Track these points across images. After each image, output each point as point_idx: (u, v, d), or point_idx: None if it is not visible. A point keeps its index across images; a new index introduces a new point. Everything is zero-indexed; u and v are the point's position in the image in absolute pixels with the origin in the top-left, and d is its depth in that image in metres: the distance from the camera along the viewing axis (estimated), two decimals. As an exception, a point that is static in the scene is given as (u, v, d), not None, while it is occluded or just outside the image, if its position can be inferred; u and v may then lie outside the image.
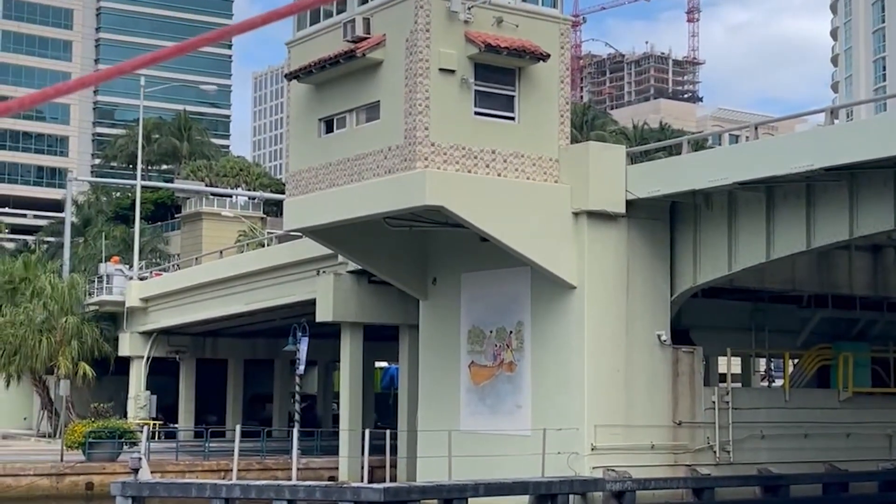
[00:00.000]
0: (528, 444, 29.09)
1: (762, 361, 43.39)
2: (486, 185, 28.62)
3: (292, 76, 31.65)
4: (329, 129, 31.33)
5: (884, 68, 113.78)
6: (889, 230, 27.63)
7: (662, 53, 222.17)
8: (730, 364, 35.07)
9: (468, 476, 27.48)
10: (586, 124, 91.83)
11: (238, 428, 30.74)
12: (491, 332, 32.17)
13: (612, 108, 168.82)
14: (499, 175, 28.92)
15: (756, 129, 30.20)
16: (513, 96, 29.38)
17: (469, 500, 26.71)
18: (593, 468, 28.95)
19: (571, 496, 28.21)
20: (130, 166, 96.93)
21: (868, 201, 27.00)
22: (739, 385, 40.48)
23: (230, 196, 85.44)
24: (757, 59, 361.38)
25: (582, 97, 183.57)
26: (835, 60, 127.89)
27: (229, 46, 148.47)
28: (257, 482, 28.05)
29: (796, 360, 36.12)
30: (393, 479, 30.69)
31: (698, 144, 40.41)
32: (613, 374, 29.73)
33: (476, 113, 28.90)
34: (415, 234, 32.79)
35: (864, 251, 34.22)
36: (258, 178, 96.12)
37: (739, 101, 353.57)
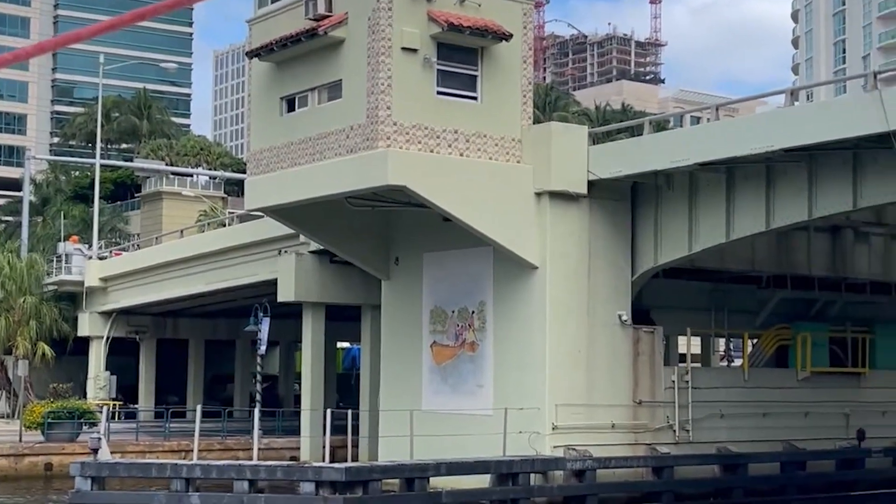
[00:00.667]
0: (490, 424, 29.20)
1: (721, 341, 43.71)
2: (448, 165, 28.59)
3: (253, 54, 31.43)
4: (291, 108, 31.15)
5: (843, 51, 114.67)
6: (847, 211, 27.91)
7: (625, 35, 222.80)
8: (689, 344, 35.38)
9: (430, 456, 27.55)
10: (549, 105, 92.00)
11: (199, 408, 30.61)
12: (453, 312, 32.21)
13: (574, 89, 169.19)
14: (461, 155, 28.90)
15: (717, 110, 30.34)
16: (475, 76, 29.34)
17: (430, 479, 26.79)
18: (554, 447, 29.12)
19: (532, 475, 28.35)
20: (89, 145, 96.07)
21: (827, 182, 27.24)
22: (699, 365, 40.86)
23: (191, 175, 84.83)
24: (719, 41, 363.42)
25: (545, 78, 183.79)
26: (795, 42, 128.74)
27: (190, 24, 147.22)
28: (218, 462, 27.96)
29: (755, 340, 36.44)
30: (354, 458, 30.72)
31: (660, 126, 40.50)
32: (574, 353, 29.88)
33: (438, 92, 28.83)
34: (377, 214, 32.73)
35: (822, 232, 34.53)
36: (219, 157, 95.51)
37: (701, 82, 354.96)
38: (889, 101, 24.32)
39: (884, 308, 37.76)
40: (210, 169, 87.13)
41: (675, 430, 31.29)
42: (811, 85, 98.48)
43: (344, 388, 53.06)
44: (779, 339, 35.54)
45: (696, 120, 38.81)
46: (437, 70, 28.75)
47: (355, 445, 32.28)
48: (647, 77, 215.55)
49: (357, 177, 28.68)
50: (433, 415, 31.26)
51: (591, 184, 30.10)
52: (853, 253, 35.21)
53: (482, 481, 27.86)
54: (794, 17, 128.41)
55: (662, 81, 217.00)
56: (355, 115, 28.57)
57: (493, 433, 28.68)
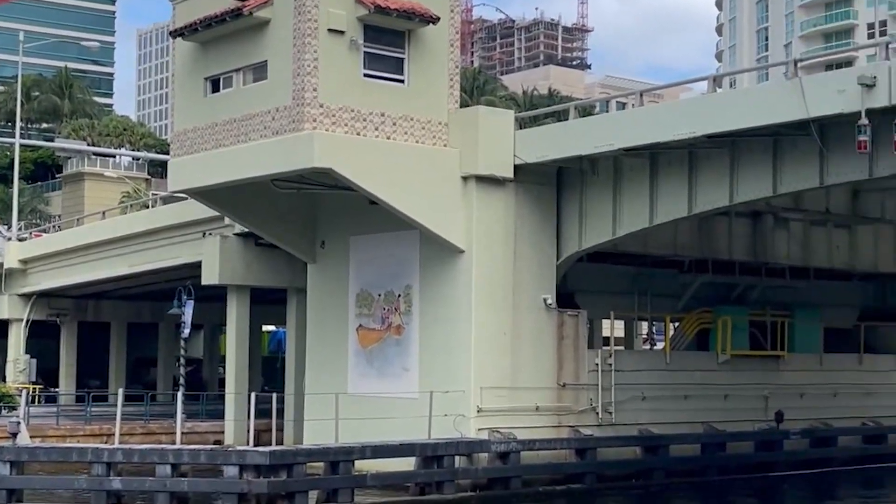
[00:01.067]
0: (416, 407, 29.29)
1: (644, 325, 44.28)
2: (375, 148, 28.52)
3: (177, 34, 31.02)
4: (215, 89, 30.82)
5: (766, 38, 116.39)
6: (767, 197, 28.39)
7: (552, 20, 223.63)
8: (613, 327, 35.71)
9: (355, 439, 27.55)
10: (477, 89, 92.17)
11: (121, 392, 30.25)
12: (379, 295, 32.20)
13: (502, 74, 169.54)
14: (388, 138, 28.85)
15: (641, 96, 30.63)
16: (402, 59, 29.27)
17: (355, 462, 26.79)
18: (479, 430, 29.29)
19: (457, 458, 28.50)
20: (9, 124, 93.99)
21: (748, 169, 27.67)
22: (622, 348, 41.34)
23: (113, 156, 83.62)
24: (645, 28, 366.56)
25: (473, 62, 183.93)
26: (719, 30, 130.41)
27: (113, 2, 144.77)
28: (140, 446, 27.67)
29: (677, 324, 36.96)
30: (279, 442, 30.58)
31: (585, 111, 40.91)
32: (500, 337, 30.05)
33: (365, 75, 28.72)
34: (303, 197, 32.56)
35: (743, 217, 35.08)
36: (142, 137, 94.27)
37: (627, 68, 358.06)
38: (809, 88, 24.76)
39: (802, 292, 38.50)
40: (133, 150, 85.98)
41: (598, 413, 31.65)
42: (734, 72, 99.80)
43: (269, 372, 52.76)
44: (700, 322, 36.08)
45: (622, 106, 39.12)
46: (364, 52, 28.62)
47: (280, 429, 32.15)
48: (574, 62, 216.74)
49: (283, 159, 28.48)
50: (359, 398, 31.26)
51: (517, 168, 30.24)
52: (773, 238, 35.82)
53: (407, 464, 27.94)
54: (719, 4, 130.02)
55: (589, 67, 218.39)
56: (281, 97, 28.35)
57: (418, 416, 28.76)
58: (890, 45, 24.89)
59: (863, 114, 23.47)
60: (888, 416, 38.63)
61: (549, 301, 30.88)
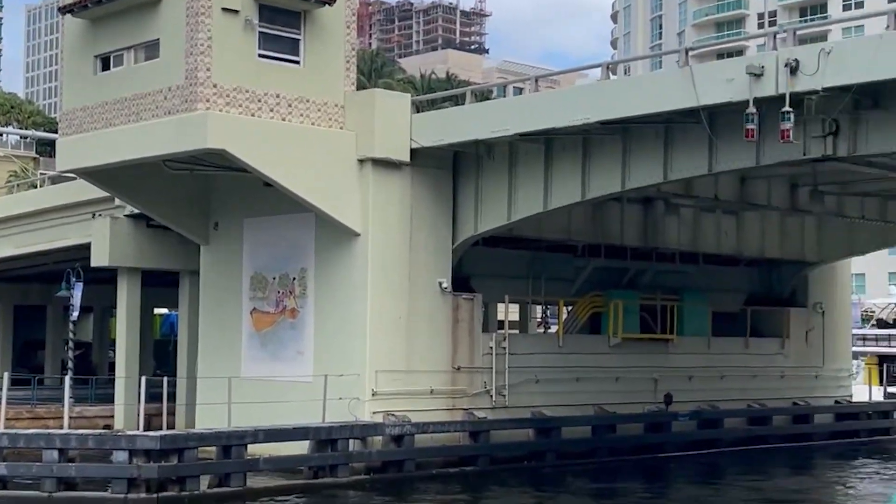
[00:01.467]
0: (310, 391, 29.17)
1: (539, 308, 44.74)
2: (269, 130, 28.25)
3: (66, 10, 30.29)
4: (105, 67, 30.18)
5: (660, 27, 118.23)
6: (658, 183, 28.87)
7: (451, 3, 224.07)
8: (507, 311, 36.02)
9: (249, 423, 27.33)
10: (374, 72, 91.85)
11: (6, 375, 29.46)
12: (274, 278, 31.96)
13: (400, 57, 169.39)
14: (283, 119, 28.60)
15: (536, 81, 30.85)
16: (298, 40, 29.02)
17: (248, 446, 26.57)
18: (374, 413, 29.33)
19: (351, 441, 28.49)
20: None
21: (640, 155, 28.10)
22: (517, 331, 41.75)
23: (0, 134, 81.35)
24: (543, 13, 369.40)
25: (371, 44, 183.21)
26: (615, 17, 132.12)
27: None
28: (26, 431, 27.03)
29: (570, 308, 37.42)
30: (171, 427, 30.17)
31: (483, 96, 41.11)
32: (395, 320, 30.09)
33: (260, 55, 28.42)
34: (196, 178, 32.11)
35: (635, 203, 35.63)
36: (31, 116, 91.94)
37: (525, 54, 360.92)
38: (699, 77, 25.21)
39: (691, 277, 39.30)
40: (21, 128, 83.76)
41: (492, 396, 31.92)
42: (627, 59, 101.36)
43: (161, 356, 51.93)
44: (593, 306, 36.59)
45: (520, 91, 39.38)
46: (259, 32, 28.31)
47: (172, 413, 31.72)
48: (473, 47, 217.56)
49: (175, 139, 28.04)
50: (253, 382, 31.02)
51: (413, 152, 30.25)
52: (664, 224, 36.47)
53: (301, 448, 27.84)
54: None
55: (487, 52, 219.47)
56: (174, 76, 27.90)
57: (313, 400, 28.66)
58: (778, 36, 25.46)
59: (751, 102, 23.98)
60: (772, 398, 39.72)
61: (444, 285, 31.01)
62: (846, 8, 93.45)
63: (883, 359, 50.53)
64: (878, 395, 47.60)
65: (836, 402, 41.95)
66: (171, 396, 30.84)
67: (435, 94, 47.57)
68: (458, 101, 34.23)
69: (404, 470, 29.28)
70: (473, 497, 28.56)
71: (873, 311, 60.85)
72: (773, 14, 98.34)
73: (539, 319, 47.09)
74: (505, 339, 32.72)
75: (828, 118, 24.31)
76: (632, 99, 26.64)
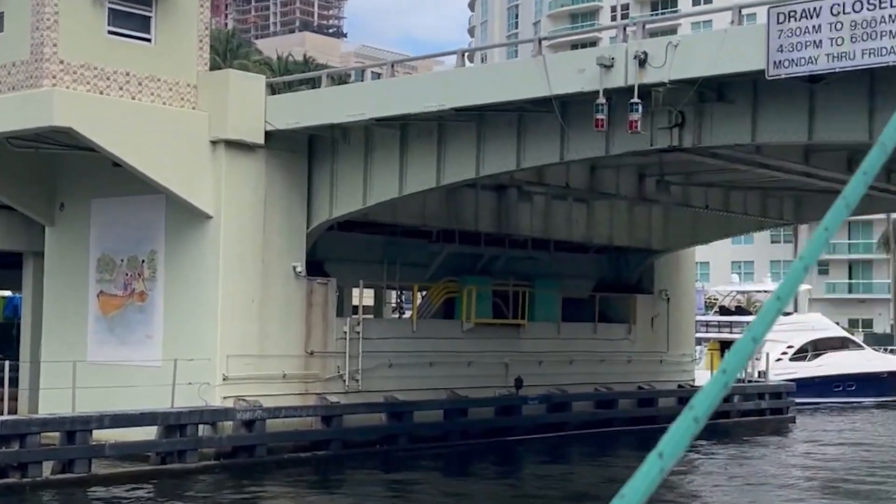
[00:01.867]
0: (159, 375, 28.66)
1: (393, 293, 44.88)
2: (118, 108, 27.59)
3: None
4: (-55, 39, 28.96)
5: (517, 16, 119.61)
6: (511, 171, 29.28)
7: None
8: (362, 296, 36.05)
9: (96, 409, 26.71)
10: (230, 52, 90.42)
11: None
12: (122, 260, 31.26)
13: (257, 38, 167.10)
14: (133, 98, 27.97)
15: (392, 66, 30.88)
16: (149, 17, 28.40)
17: (93, 432, 25.99)
18: (224, 398, 28.99)
19: (201, 426, 28.12)
20: None
21: (493, 143, 28.44)
22: (371, 316, 41.80)
23: None
24: (402, 0, 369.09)
25: (227, 24, 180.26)
26: (472, 5, 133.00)
27: None
28: None
29: (425, 293, 37.69)
30: (13, 412, 29.27)
31: (340, 79, 40.86)
32: (248, 304, 29.80)
33: (110, 32, 27.72)
34: (41, 157, 31.10)
35: (489, 190, 36.05)
36: None
37: (383, 39, 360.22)
38: (552, 67, 25.65)
39: (543, 264, 40.00)
40: None
41: (345, 380, 31.92)
42: (483, 47, 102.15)
43: (4, 339, 50.23)
44: (447, 291, 36.92)
45: (377, 76, 39.35)
46: (109, 9, 27.61)
47: (14, 399, 30.75)
48: (330, 30, 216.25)
49: (19, 116, 27.13)
50: (99, 367, 30.30)
51: (268, 134, 29.96)
52: (517, 211, 37.00)
53: (149, 433, 27.35)
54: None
55: (345, 36, 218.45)
56: (18, 51, 26.99)
57: (162, 384, 28.17)
58: (628, 28, 26.08)
59: (601, 93, 24.52)
60: (618, 382, 40.78)
61: (298, 269, 30.84)
62: (696, 3, 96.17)
63: (725, 345, 52.28)
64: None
65: (679, 385, 43.31)
66: (14, 381, 29.92)
67: (291, 76, 47.19)
68: (314, 84, 34.12)
69: (255, 455, 29.04)
70: (324, 480, 28.56)
71: (716, 299, 62.96)
72: (625, 7, 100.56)
73: (394, 305, 47.22)
74: (359, 324, 32.73)
75: (674, 110, 25.04)
76: (486, 87, 26.93)
